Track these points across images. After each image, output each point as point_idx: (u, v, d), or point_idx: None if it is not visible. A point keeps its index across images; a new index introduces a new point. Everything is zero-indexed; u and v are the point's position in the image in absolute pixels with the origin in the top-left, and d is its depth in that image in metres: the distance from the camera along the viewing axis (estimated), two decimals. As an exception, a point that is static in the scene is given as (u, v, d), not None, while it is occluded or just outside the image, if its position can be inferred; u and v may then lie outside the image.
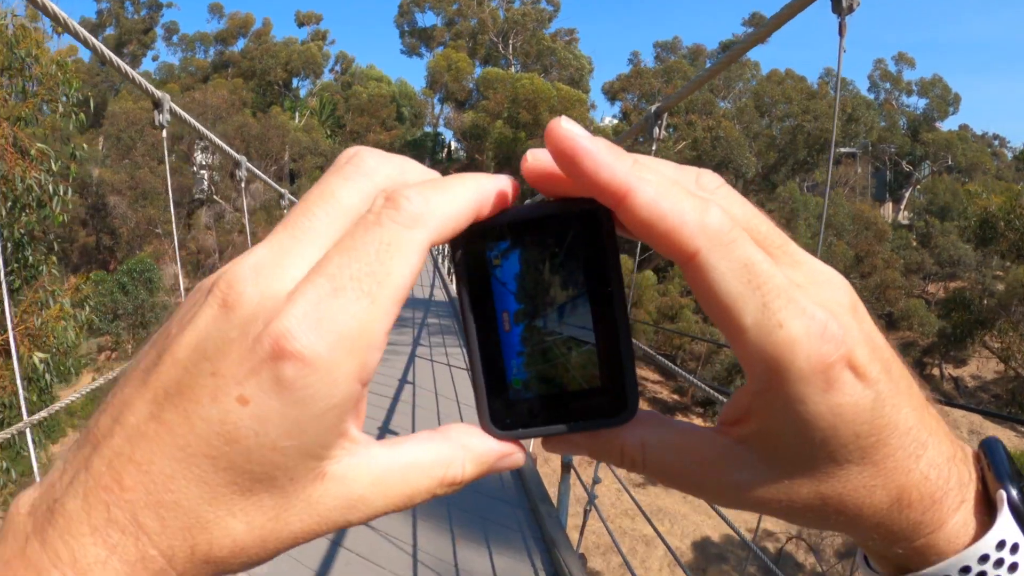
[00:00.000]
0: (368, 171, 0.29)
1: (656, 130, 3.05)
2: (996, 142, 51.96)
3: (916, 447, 0.30)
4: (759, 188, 27.24)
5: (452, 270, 0.25)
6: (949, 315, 28.26)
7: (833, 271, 0.30)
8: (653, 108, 3.16)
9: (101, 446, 0.26)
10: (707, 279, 0.28)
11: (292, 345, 0.25)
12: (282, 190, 7.12)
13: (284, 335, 0.25)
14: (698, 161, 25.63)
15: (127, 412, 0.26)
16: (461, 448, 0.30)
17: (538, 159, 0.30)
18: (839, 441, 0.29)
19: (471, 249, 0.30)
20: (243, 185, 4.78)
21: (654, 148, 3.05)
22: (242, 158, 4.58)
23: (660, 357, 4.27)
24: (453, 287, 13.93)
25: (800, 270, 0.30)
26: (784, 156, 26.45)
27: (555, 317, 0.30)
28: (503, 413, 0.31)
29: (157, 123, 2.69)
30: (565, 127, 0.28)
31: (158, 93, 2.65)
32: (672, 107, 3.02)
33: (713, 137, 24.41)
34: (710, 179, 0.30)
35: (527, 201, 0.31)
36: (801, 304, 0.28)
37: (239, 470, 0.26)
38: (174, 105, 2.78)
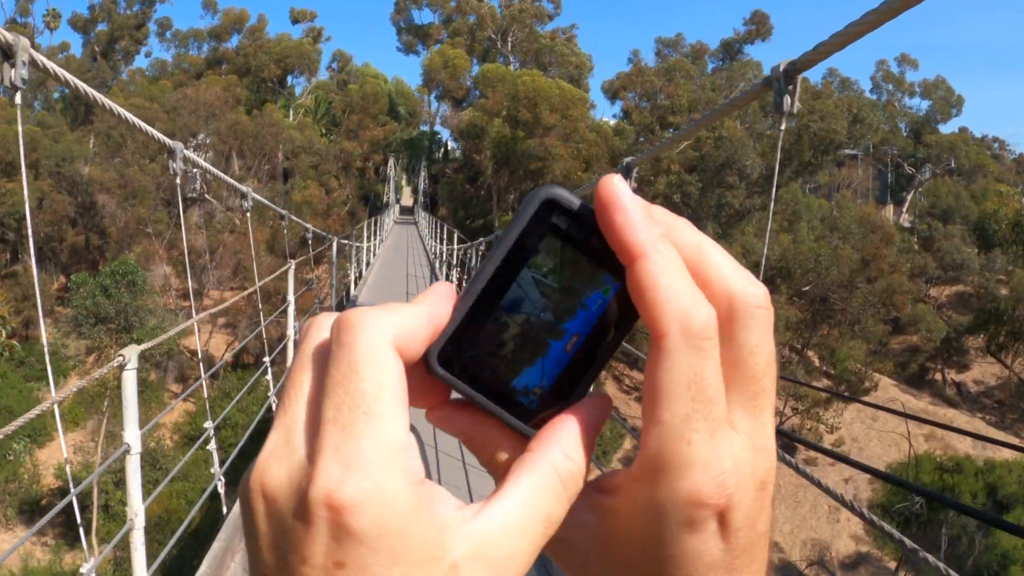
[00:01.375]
0: (326, 327, 0.30)
1: (787, 99, 2.26)
2: (996, 145, 51.69)
3: None
4: (762, 190, 26.69)
5: (517, 214, 0.32)
6: (985, 325, 27.77)
7: (773, 447, 0.31)
8: (782, 66, 2.27)
9: None
10: (659, 364, 0.29)
11: (340, 498, 0.26)
12: (244, 188, 6.45)
13: (329, 495, 0.26)
14: (701, 162, 25.04)
15: None
16: (553, 444, 0.30)
17: (611, 189, 0.30)
18: (665, 574, 0.30)
19: (543, 216, 0.31)
20: (177, 179, 4.00)
21: (783, 126, 2.32)
22: (178, 144, 3.86)
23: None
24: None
25: (748, 421, 0.30)
26: (789, 157, 25.87)
27: (556, 322, 0.31)
28: (452, 359, 0.31)
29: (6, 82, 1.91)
30: (616, 183, 0.30)
31: (8, 36, 1.95)
32: (809, 67, 2.20)
33: (716, 137, 23.82)
34: (758, 295, 0.30)
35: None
36: (718, 441, 0.29)
37: None
38: (36, 54, 2.03)
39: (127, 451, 3.10)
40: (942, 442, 27.74)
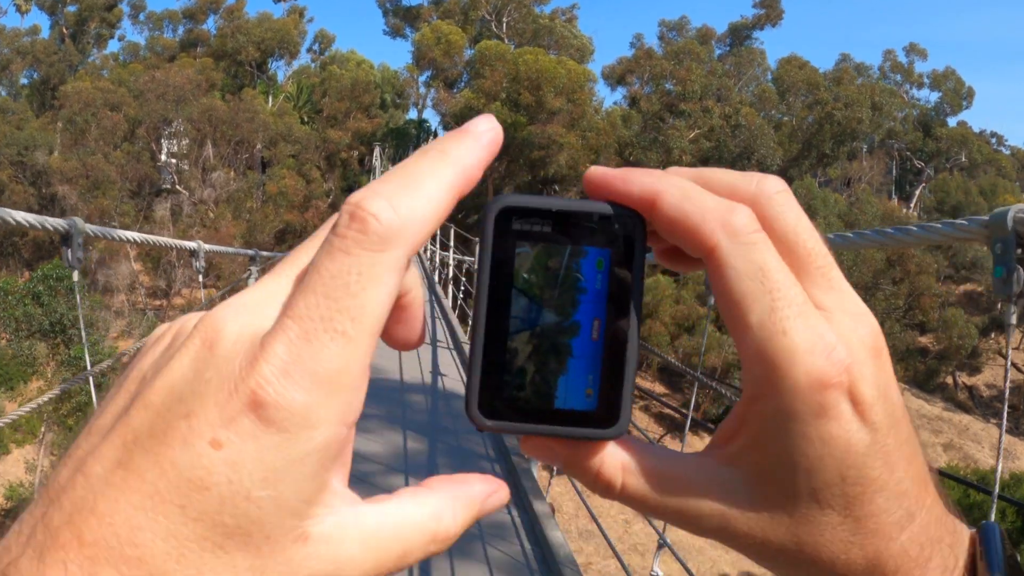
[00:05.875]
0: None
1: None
2: (994, 140, 50.70)
3: (902, 517, 0.30)
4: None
5: (480, 240, 0.31)
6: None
7: (867, 310, 0.30)
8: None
9: (60, 499, 0.25)
10: (722, 275, 0.29)
11: (267, 394, 0.24)
12: (251, 252, 5.30)
13: (260, 384, 0.24)
14: (715, 152, 23.24)
15: (92, 461, 0.25)
16: (449, 498, 0.29)
17: (599, 171, 0.31)
18: (824, 478, 0.29)
19: (505, 229, 0.30)
20: (201, 278, 4.86)
21: None
22: (200, 243, 4.42)
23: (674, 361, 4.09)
24: (455, 320, 10.90)
25: (831, 295, 0.30)
26: (808, 147, 24.14)
27: (567, 320, 0.30)
28: (491, 405, 0.30)
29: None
30: (595, 169, 0.31)
31: (65, 224, 2.47)
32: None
33: (732, 125, 22.04)
34: (772, 183, 0.31)
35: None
36: (812, 321, 0.28)
37: (210, 522, 0.24)
38: (89, 226, 2.60)
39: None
40: (961, 452, 26.34)
